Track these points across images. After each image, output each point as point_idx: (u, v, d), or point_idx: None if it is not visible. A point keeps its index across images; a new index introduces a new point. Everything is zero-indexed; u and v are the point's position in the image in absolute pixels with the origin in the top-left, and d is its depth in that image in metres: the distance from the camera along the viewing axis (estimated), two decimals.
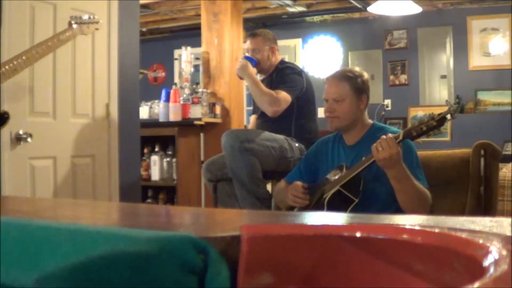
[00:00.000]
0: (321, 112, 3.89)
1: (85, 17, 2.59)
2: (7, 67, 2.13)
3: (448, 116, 1.99)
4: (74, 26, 2.49)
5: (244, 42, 5.14)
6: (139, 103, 3.92)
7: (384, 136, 2.03)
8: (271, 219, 0.98)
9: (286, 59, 6.59)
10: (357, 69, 2.41)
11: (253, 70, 3.33)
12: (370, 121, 2.38)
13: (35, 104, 2.95)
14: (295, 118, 3.22)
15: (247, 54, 3.44)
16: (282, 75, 3.29)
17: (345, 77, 2.32)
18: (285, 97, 3.16)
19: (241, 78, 3.46)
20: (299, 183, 2.35)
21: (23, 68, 2.25)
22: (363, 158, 2.14)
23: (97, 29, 2.62)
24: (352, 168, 2.19)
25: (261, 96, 3.19)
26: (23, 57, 2.22)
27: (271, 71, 3.40)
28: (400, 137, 2.04)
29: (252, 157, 3.02)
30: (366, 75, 2.38)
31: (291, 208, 2.40)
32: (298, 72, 3.32)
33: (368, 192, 2.17)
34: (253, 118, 3.54)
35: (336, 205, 2.16)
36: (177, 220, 1.00)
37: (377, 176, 2.15)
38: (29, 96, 2.91)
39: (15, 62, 2.18)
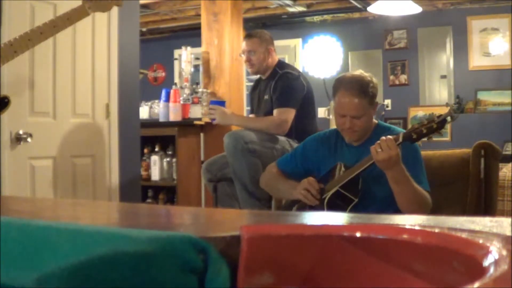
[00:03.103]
0: (321, 112, 3.91)
1: None
2: (5, 45, 2.05)
3: (448, 119, 1.99)
4: (88, 7, 2.20)
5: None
6: (139, 103, 3.92)
7: (383, 137, 2.02)
8: (271, 219, 0.98)
9: (286, 59, 6.64)
10: (367, 75, 2.29)
11: (228, 110, 3.32)
12: (375, 121, 2.36)
13: (35, 104, 2.95)
14: (295, 119, 3.21)
15: (212, 100, 3.43)
16: (282, 85, 3.24)
17: (362, 92, 2.21)
18: (289, 114, 3.16)
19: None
20: (314, 179, 2.26)
21: (25, 50, 2.13)
22: (364, 159, 2.14)
23: (118, 5, 2.31)
24: (352, 168, 2.19)
25: (264, 127, 3.17)
26: (27, 39, 2.10)
27: (269, 73, 3.38)
28: (400, 139, 2.03)
29: (255, 158, 3.02)
30: (375, 81, 2.30)
31: (290, 206, 2.39)
32: (297, 77, 3.28)
33: (368, 192, 2.17)
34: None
35: (335, 205, 2.16)
36: (177, 220, 1.00)
37: (376, 176, 2.15)
38: (29, 96, 2.91)
39: (16, 44, 2.08)
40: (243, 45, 3.46)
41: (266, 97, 3.31)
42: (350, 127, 2.23)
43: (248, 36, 3.47)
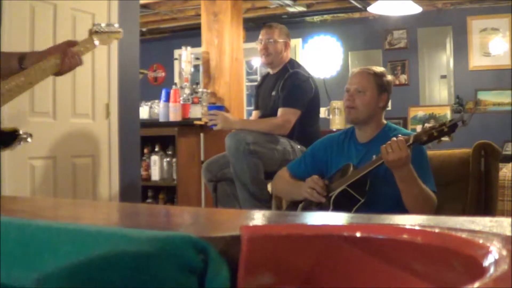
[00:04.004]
0: (321, 112, 3.91)
1: (106, 26, 2.32)
2: (6, 87, 2.01)
3: (460, 123, 2.01)
4: (96, 39, 2.23)
5: (244, 41, 5.15)
6: (139, 103, 3.92)
7: (394, 138, 2.04)
8: (271, 219, 0.98)
9: None
10: (383, 69, 2.45)
11: (230, 115, 3.28)
12: (384, 121, 2.39)
13: (35, 104, 2.95)
14: (298, 121, 3.19)
15: (210, 106, 3.38)
16: (291, 85, 3.21)
17: (371, 72, 2.37)
18: (293, 115, 3.15)
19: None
20: (318, 177, 2.30)
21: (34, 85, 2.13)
22: (374, 157, 2.15)
23: (117, 38, 2.39)
24: (360, 168, 2.19)
25: (267, 129, 3.16)
26: (36, 70, 2.08)
27: (279, 69, 3.35)
28: (410, 141, 2.05)
29: (257, 159, 3.02)
30: (390, 77, 2.43)
31: (295, 204, 2.39)
32: (306, 79, 3.25)
33: (375, 193, 2.17)
34: (255, 114, 3.52)
35: (341, 204, 2.16)
36: (177, 220, 1.00)
37: (385, 177, 2.15)
38: (29, 96, 2.91)
39: (22, 79, 2.05)
40: (261, 33, 3.41)
41: (273, 93, 3.30)
42: (349, 100, 2.32)
43: (268, 26, 3.43)
